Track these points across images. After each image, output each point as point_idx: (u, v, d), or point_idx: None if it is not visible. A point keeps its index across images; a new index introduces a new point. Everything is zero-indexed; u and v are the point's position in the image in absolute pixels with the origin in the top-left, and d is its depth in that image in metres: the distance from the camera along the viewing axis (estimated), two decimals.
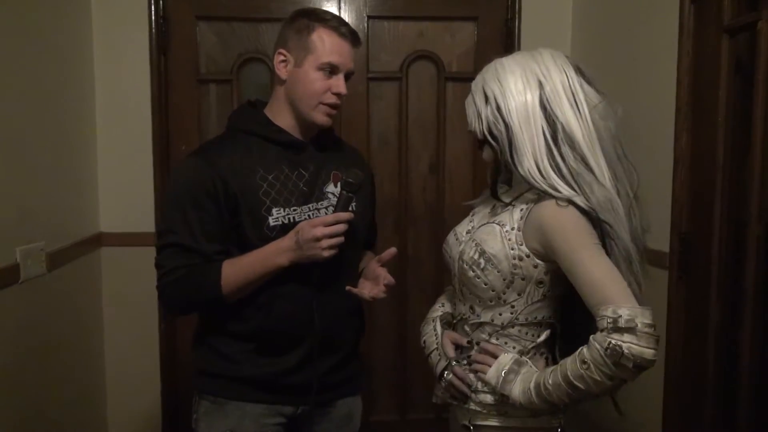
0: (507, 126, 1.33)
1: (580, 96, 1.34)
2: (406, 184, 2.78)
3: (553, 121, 1.32)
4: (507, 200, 1.40)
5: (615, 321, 1.18)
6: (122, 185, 2.60)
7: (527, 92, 1.33)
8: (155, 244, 1.57)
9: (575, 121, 1.32)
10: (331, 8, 2.67)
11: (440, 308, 1.59)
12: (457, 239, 1.48)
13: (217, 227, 1.52)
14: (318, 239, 1.44)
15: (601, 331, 1.20)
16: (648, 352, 1.17)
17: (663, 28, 2.02)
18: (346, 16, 2.68)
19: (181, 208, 1.52)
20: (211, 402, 1.60)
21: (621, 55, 2.34)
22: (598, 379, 1.20)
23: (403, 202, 2.79)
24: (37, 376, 2.05)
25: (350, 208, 1.53)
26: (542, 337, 1.40)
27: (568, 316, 1.42)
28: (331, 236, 1.45)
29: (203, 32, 2.67)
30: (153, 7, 2.56)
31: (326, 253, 1.45)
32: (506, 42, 2.70)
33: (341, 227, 1.46)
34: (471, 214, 1.52)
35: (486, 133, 1.37)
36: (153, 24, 2.57)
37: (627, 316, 1.18)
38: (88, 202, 2.52)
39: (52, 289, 2.15)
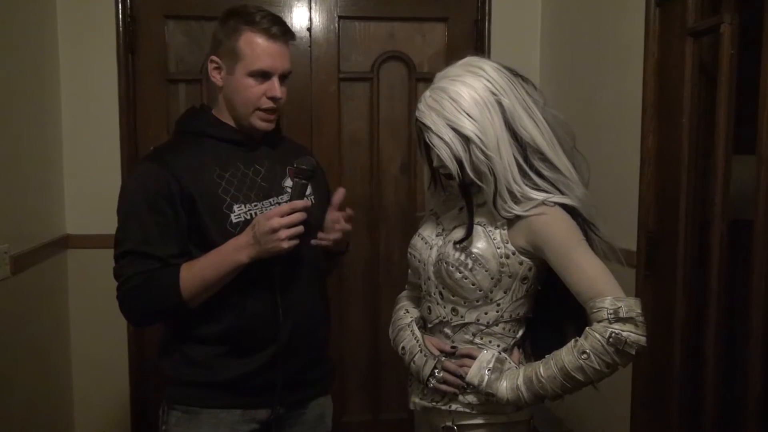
0: (491, 161, 1.31)
1: (530, 102, 1.34)
2: (378, 184, 2.79)
3: (520, 138, 1.32)
4: (480, 201, 1.39)
5: (616, 312, 1.23)
6: (89, 186, 2.56)
7: (495, 118, 1.31)
8: (113, 254, 1.51)
9: (537, 131, 1.33)
10: (302, 8, 2.66)
11: (406, 314, 1.57)
12: (426, 243, 1.47)
13: (174, 230, 1.48)
14: (275, 230, 1.40)
15: (599, 321, 1.24)
16: (643, 339, 1.24)
17: (629, 30, 2.06)
18: (316, 16, 2.67)
19: (136, 213, 1.48)
20: (183, 412, 1.55)
21: (589, 57, 2.37)
22: (598, 368, 1.25)
23: (375, 202, 2.79)
24: (3, 380, 2.01)
25: (306, 197, 1.50)
26: (520, 333, 1.42)
27: (543, 311, 1.44)
28: (289, 226, 1.41)
29: (172, 31, 2.64)
30: (120, 5, 2.53)
31: (286, 244, 1.41)
32: (476, 43, 2.72)
33: (299, 216, 1.42)
34: (435, 217, 1.51)
35: (472, 175, 1.32)
36: (120, 23, 2.53)
37: (626, 306, 1.24)
38: (53, 204, 2.48)
39: (16, 293, 2.11)
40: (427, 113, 1.33)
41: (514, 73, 1.36)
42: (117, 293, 1.50)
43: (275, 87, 1.51)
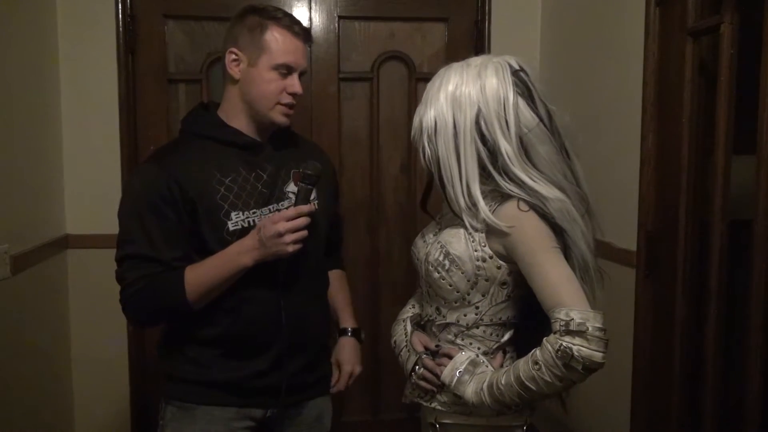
0: (437, 147, 1.34)
1: (512, 120, 1.32)
2: (378, 184, 2.79)
3: (489, 144, 1.32)
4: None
5: (567, 324, 1.20)
6: (89, 186, 2.55)
7: (460, 117, 1.32)
8: (115, 257, 1.51)
9: (506, 145, 1.31)
10: (302, 9, 2.66)
11: (410, 309, 1.60)
12: (424, 242, 1.49)
13: (177, 233, 1.48)
14: (281, 234, 1.41)
15: (554, 333, 1.22)
16: (597, 355, 1.19)
17: (629, 30, 2.05)
18: (316, 16, 2.68)
19: (137, 216, 1.48)
20: (178, 408, 1.57)
21: (589, 56, 2.37)
22: (549, 380, 1.22)
23: (375, 202, 2.79)
24: (2, 380, 2.01)
25: (311, 201, 1.51)
26: (505, 337, 1.42)
27: (531, 316, 1.42)
28: (294, 230, 1.42)
29: (172, 31, 2.64)
30: (120, 5, 2.52)
31: (291, 248, 1.43)
32: (476, 43, 2.72)
33: (304, 220, 1.43)
34: (438, 217, 1.53)
35: (420, 150, 1.38)
36: (120, 22, 2.53)
37: (579, 319, 1.20)
38: (53, 204, 2.48)
39: (16, 293, 2.11)
40: (429, 86, 1.40)
41: (523, 90, 1.35)
42: (120, 296, 1.50)
43: (296, 83, 1.54)
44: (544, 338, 1.24)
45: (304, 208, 1.45)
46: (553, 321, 1.23)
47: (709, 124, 1.77)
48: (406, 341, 1.50)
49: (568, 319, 1.20)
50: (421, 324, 1.53)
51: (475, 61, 1.38)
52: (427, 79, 1.43)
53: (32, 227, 2.27)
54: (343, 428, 2.73)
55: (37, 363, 2.27)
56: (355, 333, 1.81)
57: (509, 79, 1.34)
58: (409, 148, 2.77)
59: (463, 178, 1.33)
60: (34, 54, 2.31)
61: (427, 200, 1.54)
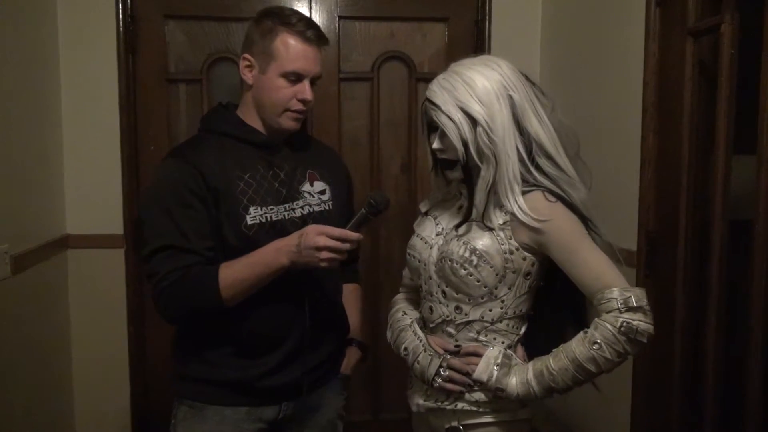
0: (495, 146, 1.33)
1: (537, 104, 1.37)
2: (378, 184, 2.78)
3: (526, 133, 1.35)
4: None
5: (626, 301, 1.26)
6: (89, 186, 2.56)
7: (503, 109, 1.33)
8: (142, 253, 1.50)
9: (541, 130, 1.36)
10: (302, 8, 2.66)
11: (405, 316, 1.57)
12: (425, 243, 1.48)
13: (206, 223, 1.48)
14: (319, 248, 1.39)
15: (609, 312, 1.27)
16: (652, 328, 1.28)
17: (630, 30, 2.05)
18: (317, 16, 2.67)
19: (166, 210, 1.46)
20: (189, 407, 1.57)
21: (589, 57, 2.37)
22: (609, 357, 1.27)
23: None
24: (3, 380, 2.01)
25: (358, 225, 1.47)
26: (523, 330, 1.43)
27: (545, 308, 1.45)
28: (332, 250, 1.39)
29: (172, 31, 2.64)
30: (120, 5, 2.53)
31: (323, 264, 1.41)
32: (476, 43, 2.72)
33: (345, 246, 1.40)
34: (433, 217, 1.51)
35: (476, 157, 1.34)
36: (121, 23, 2.53)
37: (635, 296, 1.27)
38: (53, 204, 2.48)
39: (17, 293, 2.11)
40: (439, 93, 1.36)
41: (527, 78, 1.40)
42: (153, 290, 1.47)
43: (306, 89, 1.53)
44: (597, 319, 1.29)
45: (352, 235, 1.42)
46: (604, 301, 1.28)
47: (709, 124, 1.77)
48: (423, 346, 1.46)
49: (625, 297, 1.27)
50: (429, 327, 1.50)
51: (473, 59, 1.40)
52: (427, 79, 1.43)
53: (32, 227, 2.27)
54: (344, 428, 2.73)
55: (37, 363, 2.27)
56: (361, 345, 1.80)
57: (517, 70, 1.39)
58: (409, 148, 2.77)
59: (510, 175, 1.34)
60: (34, 54, 2.31)
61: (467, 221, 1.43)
